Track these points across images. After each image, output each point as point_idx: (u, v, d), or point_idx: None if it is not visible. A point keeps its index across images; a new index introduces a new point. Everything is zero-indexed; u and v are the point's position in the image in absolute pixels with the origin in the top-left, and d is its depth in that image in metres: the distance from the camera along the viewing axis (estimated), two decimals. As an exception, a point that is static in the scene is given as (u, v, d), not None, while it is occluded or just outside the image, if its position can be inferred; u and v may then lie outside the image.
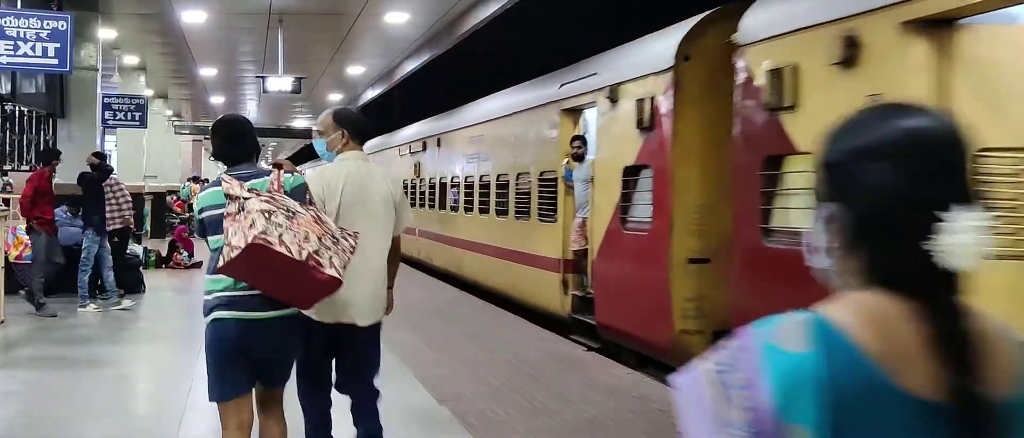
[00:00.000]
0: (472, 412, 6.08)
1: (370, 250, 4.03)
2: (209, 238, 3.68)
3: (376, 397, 4.29)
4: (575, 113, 9.98)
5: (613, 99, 8.39)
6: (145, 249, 14.90)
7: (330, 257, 3.37)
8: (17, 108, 12.48)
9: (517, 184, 11.63)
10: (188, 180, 27.87)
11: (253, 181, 3.61)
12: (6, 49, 10.21)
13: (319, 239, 3.38)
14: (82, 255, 10.39)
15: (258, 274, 3.40)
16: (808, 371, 1.06)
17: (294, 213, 3.39)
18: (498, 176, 12.51)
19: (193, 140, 35.75)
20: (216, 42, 17.91)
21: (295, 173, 3.82)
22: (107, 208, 10.68)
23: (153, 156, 24.55)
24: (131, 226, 11.94)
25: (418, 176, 18.33)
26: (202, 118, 33.83)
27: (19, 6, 11.86)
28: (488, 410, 6.18)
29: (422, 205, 17.76)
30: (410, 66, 19.72)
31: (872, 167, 1.13)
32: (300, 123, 34.65)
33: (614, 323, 8.47)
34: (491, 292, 12.60)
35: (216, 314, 3.59)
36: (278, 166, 3.76)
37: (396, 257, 4.35)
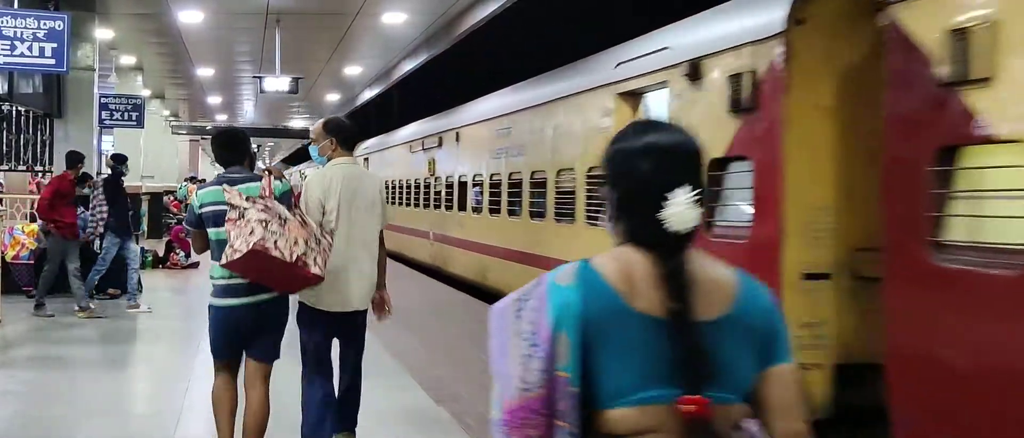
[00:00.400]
0: (470, 413, 6.09)
1: (361, 243, 4.72)
2: (209, 230, 4.39)
3: (361, 359, 5.02)
4: (635, 97, 8.42)
5: (693, 76, 6.88)
6: (142, 249, 14.88)
7: (314, 257, 4.19)
8: (14, 108, 12.43)
9: (558, 182, 10.24)
10: (185, 180, 27.86)
11: (247, 185, 4.30)
12: (3, 49, 10.19)
13: (305, 242, 4.15)
14: (100, 255, 10.36)
15: (254, 270, 4.17)
16: (571, 298, 1.61)
17: (285, 219, 4.13)
18: (532, 173, 11.12)
19: (190, 140, 35.76)
20: (213, 42, 17.90)
21: (283, 180, 4.47)
22: (105, 210, 10.64)
23: (150, 156, 24.58)
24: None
25: (432, 174, 16.65)
26: (199, 118, 33.82)
27: (16, 6, 11.83)
28: (486, 411, 6.17)
29: (437, 206, 16.29)
30: (408, 66, 19.71)
31: (631, 162, 1.70)
32: (297, 123, 34.61)
33: None
34: None
35: (221, 301, 4.38)
36: (269, 172, 4.42)
37: (383, 253, 4.91)
